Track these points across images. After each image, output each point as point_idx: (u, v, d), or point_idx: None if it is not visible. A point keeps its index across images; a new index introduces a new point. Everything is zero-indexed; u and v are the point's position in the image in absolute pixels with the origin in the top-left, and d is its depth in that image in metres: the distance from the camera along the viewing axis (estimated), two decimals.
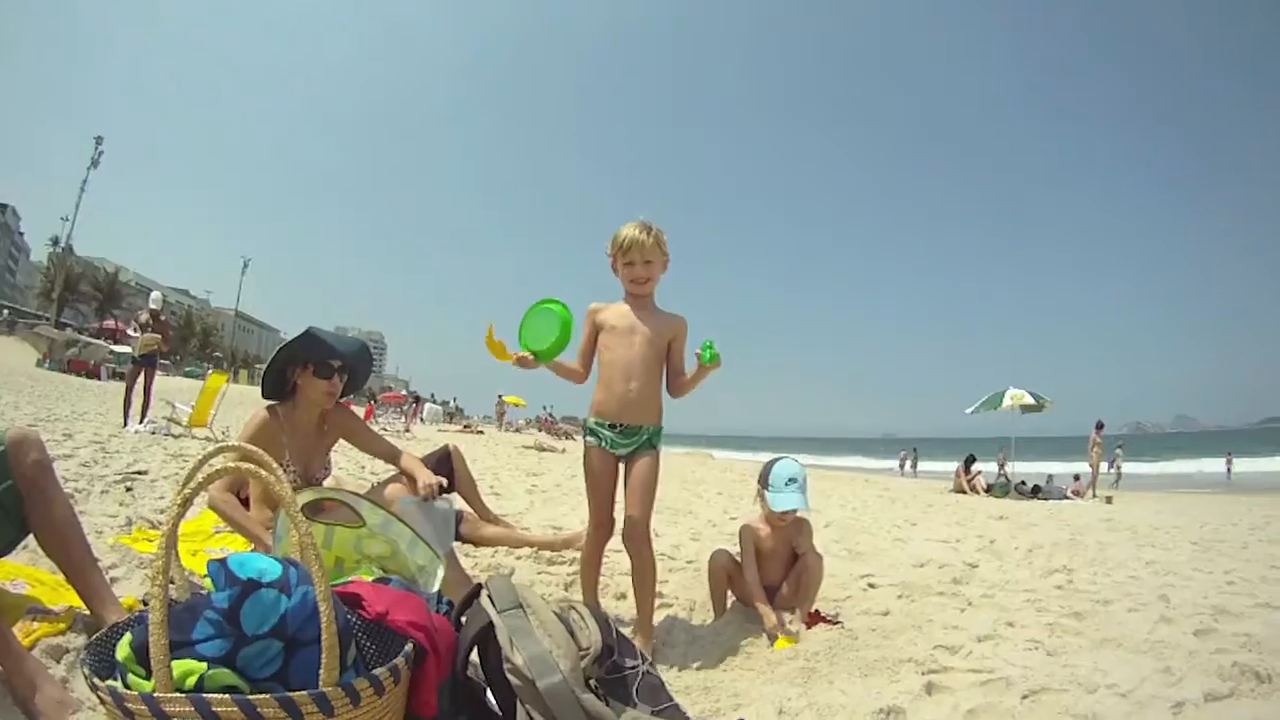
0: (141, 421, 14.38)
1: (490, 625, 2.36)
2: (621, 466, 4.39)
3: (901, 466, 48.43)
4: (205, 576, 2.09)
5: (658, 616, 4.53)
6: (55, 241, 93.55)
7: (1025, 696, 3.39)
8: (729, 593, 4.79)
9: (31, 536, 3.21)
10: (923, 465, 48.46)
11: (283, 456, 4.53)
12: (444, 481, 4.53)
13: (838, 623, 4.56)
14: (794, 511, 4.61)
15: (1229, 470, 40.17)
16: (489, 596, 2.47)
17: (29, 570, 3.79)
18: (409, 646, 2.21)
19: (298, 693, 1.84)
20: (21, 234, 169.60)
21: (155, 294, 16.49)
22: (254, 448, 2.13)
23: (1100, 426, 25.93)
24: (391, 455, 4.81)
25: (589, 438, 4.41)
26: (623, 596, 4.90)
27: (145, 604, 3.22)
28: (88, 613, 3.16)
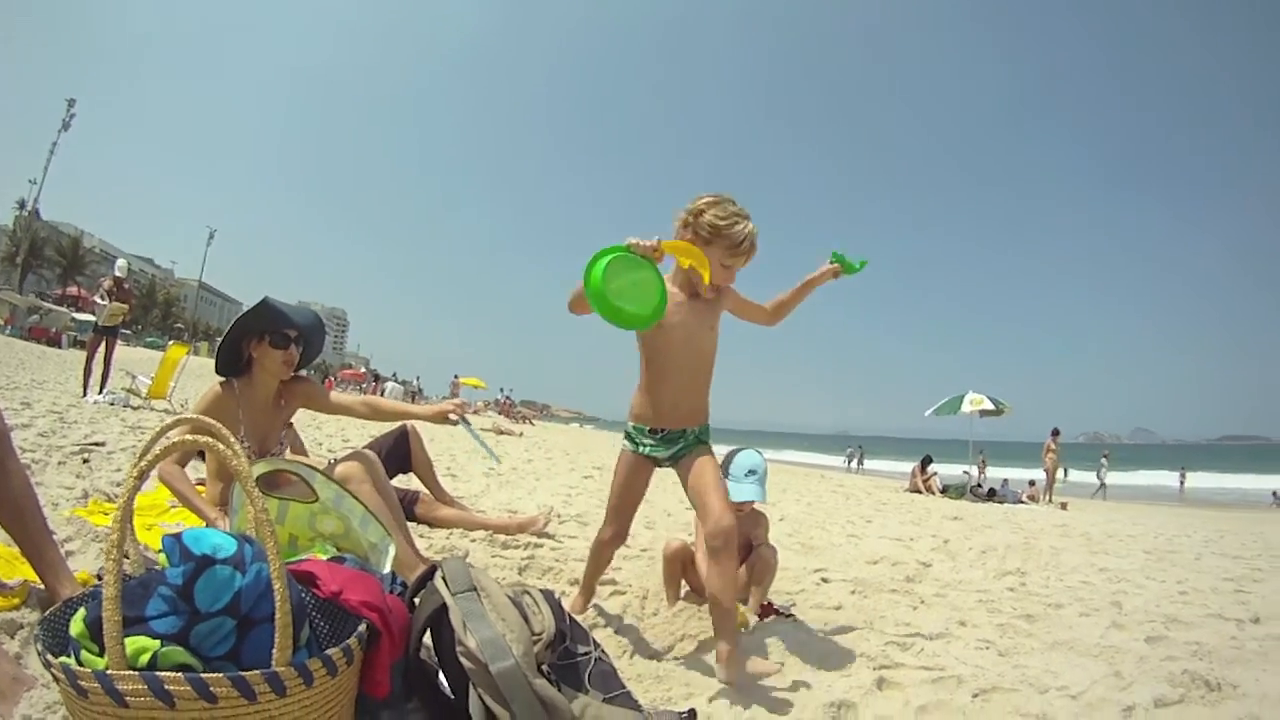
0: (101, 392, 14.22)
1: (444, 607, 2.35)
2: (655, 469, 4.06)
3: (849, 463, 48.81)
4: (160, 552, 2.06)
5: (612, 604, 4.55)
6: (21, 205, 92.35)
7: (976, 695, 3.41)
8: (682, 581, 4.76)
9: None
10: (879, 464, 48.84)
11: (238, 431, 4.50)
12: (463, 402, 4.53)
13: (790, 615, 4.57)
14: (751, 503, 4.61)
15: (1182, 484, 40.47)
16: (443, 578, 2.46)
17: None
18: (362, 627, 2.18)
19: (250, 672, 1.83)
20: None
21: (121, 262, 16.31)
22: (210, 420, 2.12)
23: (1056, 434, 26.11)
24: (363, 404, 4.82)
25: (625, 441, 4.03)
26: (575, 582, 4.80)
27: (100, 579, 3.14)
28: (42, 587, 3.12)
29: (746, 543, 4.67)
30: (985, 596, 5.68)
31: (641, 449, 3.94)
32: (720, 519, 3.51)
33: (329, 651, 1.97)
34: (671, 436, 3.88)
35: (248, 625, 1.98)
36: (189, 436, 2.00)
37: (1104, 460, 35.78)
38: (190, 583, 1.91)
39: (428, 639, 2.42)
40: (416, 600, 2.55)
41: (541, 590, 2.62)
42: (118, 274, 15.28)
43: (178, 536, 1.99)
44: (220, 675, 1.79)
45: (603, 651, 2.61)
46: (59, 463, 6.51)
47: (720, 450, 4.12)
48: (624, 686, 2.52)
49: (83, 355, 15.55)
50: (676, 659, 3.82)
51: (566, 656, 2.46)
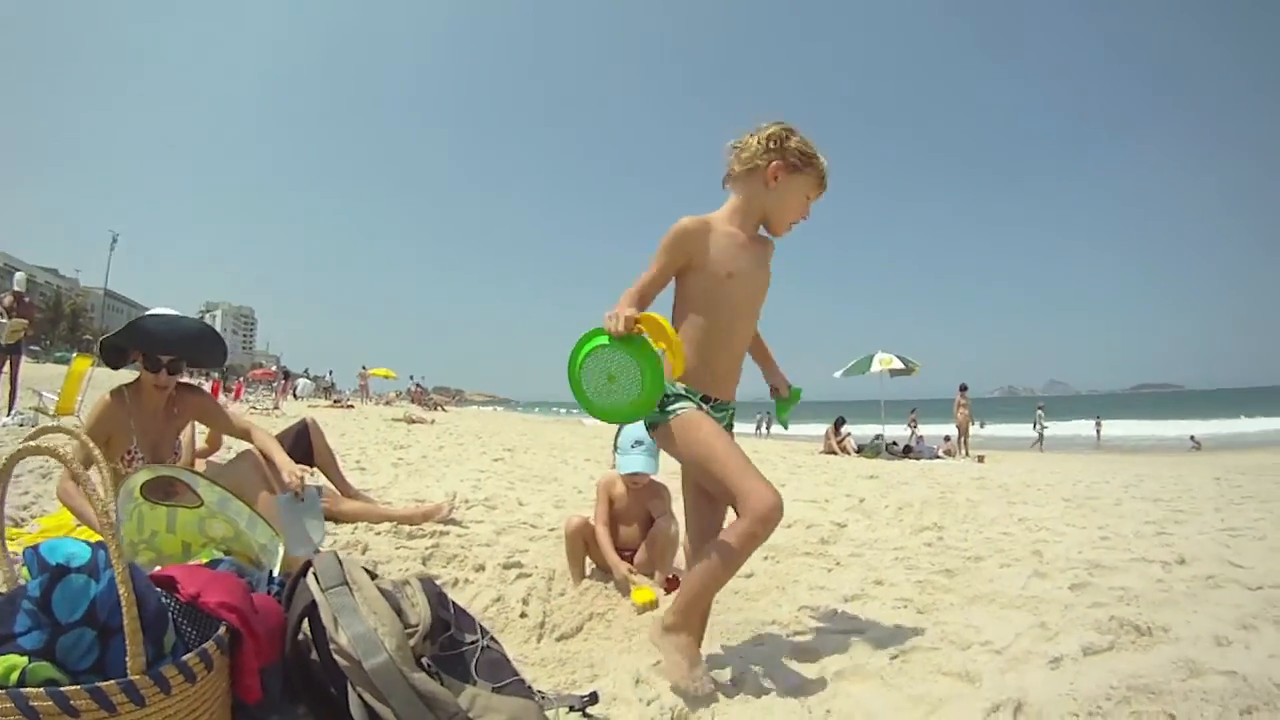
0: (9, 413, 13.76)
1: (314, 604, 2.26)
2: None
3: (758, 428, 49.14)
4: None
5: (517, 587, 4.41)
6: None
7: (894, 656, 3.35)
8: (587, 559, 4.70)
9: None
10: (792, 428, 49.30)
11: (129, 440, 4.44)
12: (305, 477, 4.40)
13: None
14: (644, 475, 4.54)
15: (1099, 433, 40.94)
16: (314, 574, 2.36)
17: None
18: (221, 630, 2.12)
19: (107, 683, 1.76)
20: None
21: (19, 275, 15.91)
22: (68, 429, 2.14)
23: (964, 389, 26.43)
24: (245, 434, 4.74)
25: (682, 403, 3.12)
26: (480, 568, 4.77)
27: None
28: None
29: (647, 514, 4.63)
30: (902, 554, 5.66)
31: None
32: (767, 497, 2.85)
33: (185, 657, 1.91)
34: (720, 408, 3.26)
35: (109, 635, 1.90)
36: (34, 443, 1.97)
37: (1040, 412, 36.19)
38: (48, 594, 1.87)
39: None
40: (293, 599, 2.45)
41: (421, 579, 2.50)
42: (17, 289, 14.89)
43: (35, 548, 1.96)
44: (79, 688, 1.74)
45: (491, 639, 2.51)
46: None
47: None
48: (515, 674, 2.43)
49: None
50: (583, 639, 3.75)
51: (451, 646, 2.37)
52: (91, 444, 2.02)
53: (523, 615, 3.98)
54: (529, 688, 2.43)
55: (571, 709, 2.59)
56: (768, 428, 47.81)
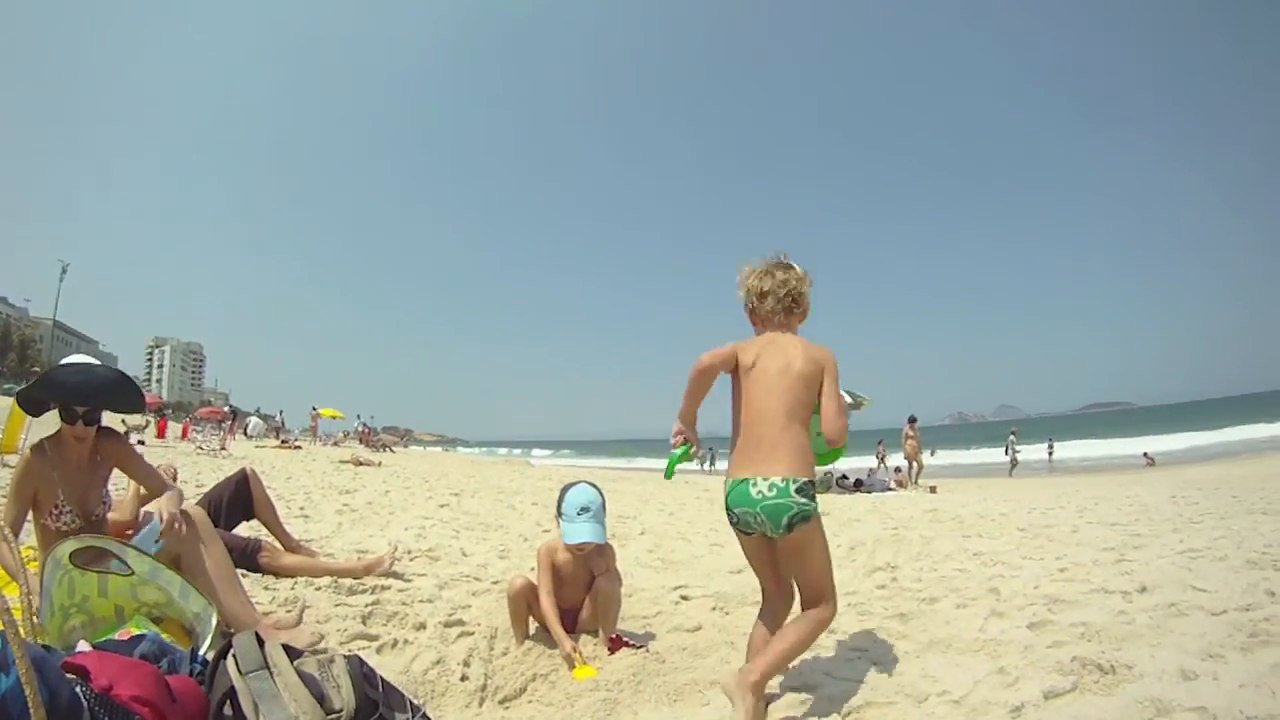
0: None
1: (233, 690, 2.19)
2: None
3: (703, 465, 49.33)
4: None
5: (458, 647, 4.36)
6: None
7: (849, 714, 3.30)
8: (530, 619, 4.63)
9: None
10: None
11: (56, 495, 4.37)
12: (182, 529, 4.23)
13: (642, 647, 4.39)
14: (590, 544, 4.49)
15: (1050, 455, 41.03)
16: (233, 656, 2.29)
17: None
18: None
19: None
20: None
21: None
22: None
23: (913, 421, 26.53)
24: (159, 492, 4.58)
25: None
26: (422, 626, 4.70)
27: None
28: None
29: (589, 575, 4.57)
30: (855, 599, 5.60)
31: None
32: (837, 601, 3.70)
33: None
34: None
35: None
36: None
37: (1013, 436, 36.17)
38: None
39: None
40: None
41: (349, 656, 2.44)
42: None
43: None
44: None
45: (423, 716, 2.47)
46: None
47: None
48: None
49: None
50: (527, 702, 3.72)
51: None
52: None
53: (463, 679, 3.91)
54: None
55: None
56: (712, 464, 47.98)
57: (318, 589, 5.47)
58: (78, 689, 2.02)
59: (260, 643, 2.35)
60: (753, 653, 3.57)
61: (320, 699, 2.18)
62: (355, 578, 5.82)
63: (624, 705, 3.47)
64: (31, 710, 1.70)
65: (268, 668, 2.23)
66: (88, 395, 4.37)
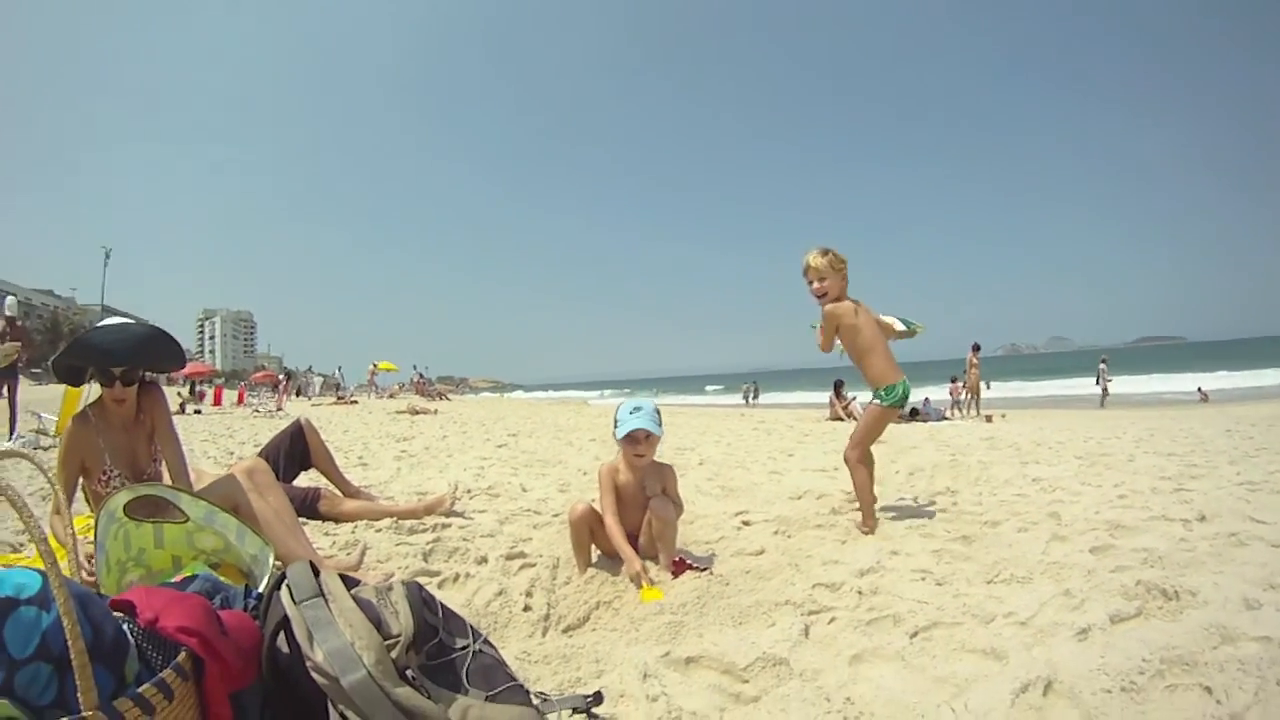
0: (11, 437, 13.53)
1: (286, 619, 2.10)
2: None
3: (745, 399, 49.10)
4: None
5: (521, 578, 4.32)
6: None
7: (915, 634, 3.22)
8: (593, 546, 4.58)
9: None
10: (795, 396, 49.22)
11: (103, 461, 4.27)
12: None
13: (705, 569, 4.34)
14: (645, 435, 4.43)
15: (1104, 384, 40.26)
16: (287, 587, 2.20)
17: None
18: (182, 656, 1.92)
19: None
20: None
21: (9, 299, 15.76)
22: (27, 453, 1.99)
23: (977, 349, 26.19)
24: (174, 466, 4.47)
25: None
26: (483, 560, 4.67)
27: None
28: None
29: (647, 499, 4.49)
30: (917, 522, 5.56)
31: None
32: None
33: (141, 689, 1.73)
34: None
35: (66, 667, 1.71)
36: None
37: (1103, 365, 34.69)
38: None
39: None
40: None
41: (406, 583, 2.34)
42: (8, 313, 14.77)
43: None
44: None
45: (485, 642, 2.35)
46: None
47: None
48: (511, 678, 2.26)
49: None
50: (589, 631, 3.63)
51: (439, 654, 2.21)
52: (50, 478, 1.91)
53: (526, 609, 3.87)
54: (526, 693, 2.26)
55: (575, 710, 2.45)
56: (755, 398, 47.79)
57: (378, 531, 5.45)
58: (124, 626, 1.96)
59: (315, 572, 2.27)
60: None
61: (377, 624, 2.11)
62: (416, 518, 5.78)
63: (689, 628, 3.39)
64: (71, 646, 1.62)
65: (322, 595, 2.16)
66: (122, 355, 4.25)
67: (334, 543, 5.16)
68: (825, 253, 5.71)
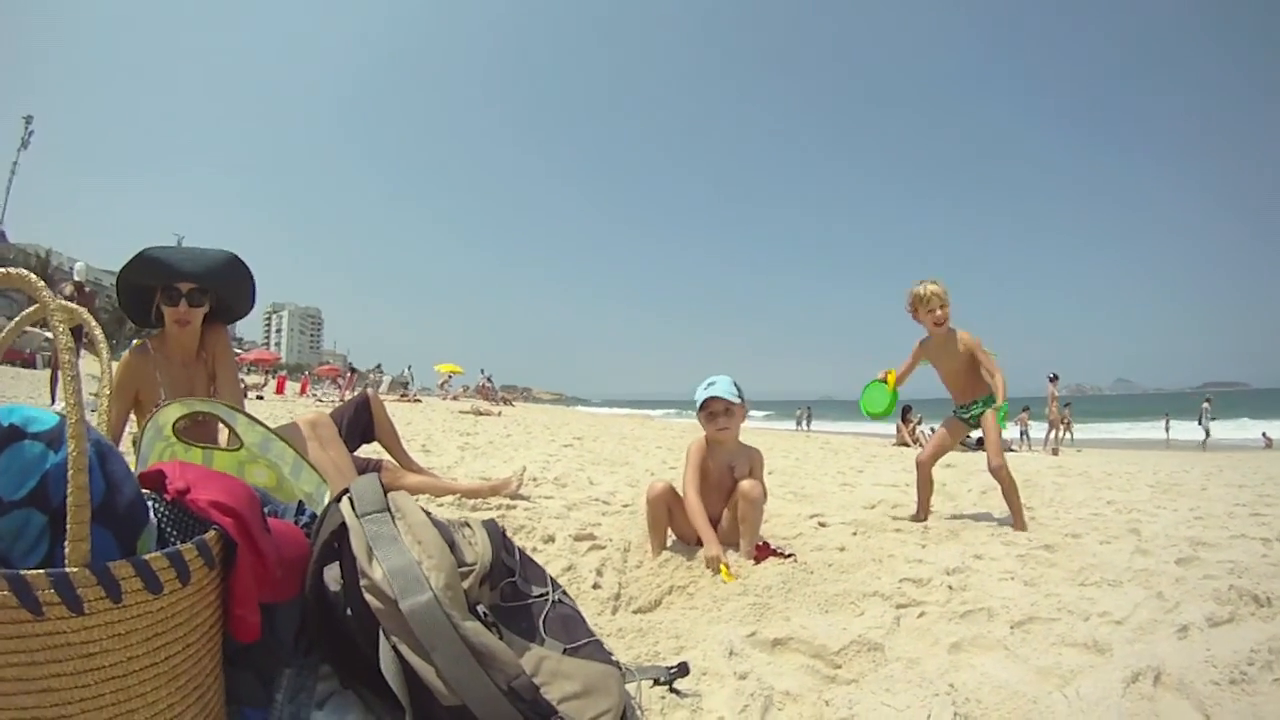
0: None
1: (344, 528, 1.86)
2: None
3: (799, 424, 48.99)
4: None
5: (590, 559, 4.13)
6: None
7: (1014, 627, 3.05)
8: (668, 529, 4.39)
9: None
10: (844, 425, 49.21)
11: (158, 395, 4.06)
12: None
13: (790, 555, 4.17)
14: (725, 406, 4.31)
15: (1168, 432, 39.87)
16: (349, 499, 1.98)
17: None
18: (210, 534, 1.60)
19: (32, 572, 1.27)
20: None
21: (79, 265, 15.91)
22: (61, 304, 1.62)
23: (1055, 379, 25.91)
24: (232, 390, 4.40)
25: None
26: (550, 539, 4.49)
27: None
28: None
29: (732, 479, 4.33)
30: (996, 529, 5.44)
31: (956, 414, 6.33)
32: (990, 460, 6.00)
33: (148, 556, 1.42)
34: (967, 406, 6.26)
35: (61, 522, 1.43)
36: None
37: (1207, 406, 34.55)
38: None
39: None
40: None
41: (485, 521, 2.15)
42: (77, 278, 14.86)
43: None
44: None
45: (563, 594, 2.18)
46: None
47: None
48: (592, 634, 2.07)
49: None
50: (665, 610, 3.45)
51: (515, 597, 2.02)
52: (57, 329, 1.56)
53: (595, 586, 3.68)
54: (607, 652, 2.05)
55: (657, 682, 2.26)
56: (808, 423, 47.77)
57: (440, 505, 5.28)
58: (142, 494, 1.63)
59: (381, 486, 2.06)
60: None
61: (450, 546, 1.86)
62: (480, 498, 5.58)
63: (775, 610, 3.20)
64: (72, 497, 1.34)
65: (389, 510, 1.92)
66: (190, 271, 4.03)
67: None
68: (936, 282, 6.04)
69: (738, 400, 4.31)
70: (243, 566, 1.66)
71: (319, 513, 2.53)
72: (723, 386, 4.31)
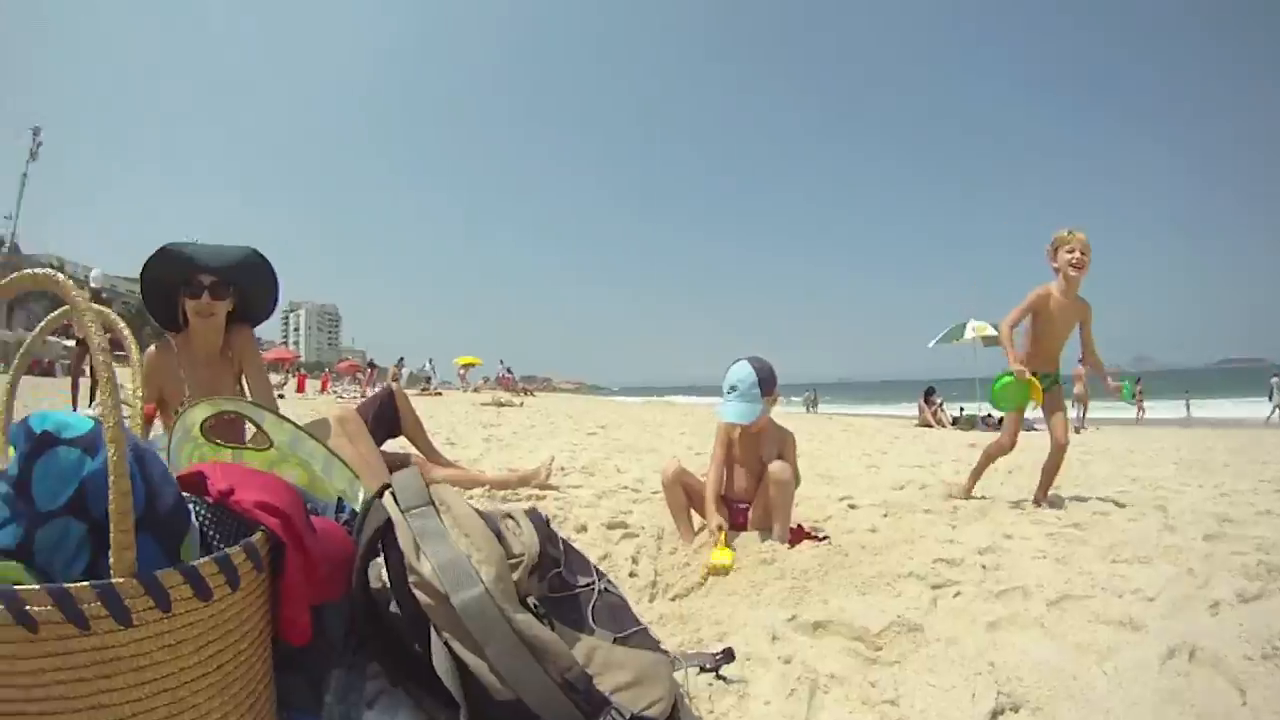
0: (90, 404, 13.69)
1: (389, 524, 1.84)
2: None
3: (807, 408, 48.83)
4: None
5: (623, 547, 4.11)
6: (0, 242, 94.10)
7: (1051, 604, 3.07)
8: (692, 510, 4.32)
9: None
10: (883, 408, 48.70)
11: (182, 391, 4.06)
12: None
13: (825, 538, 4.13)
14: (735, 425, 4.21)
15: (1189, 410, 39.34)
16: (391, 494, 1.96)
17: None
18: (257, 537, 1.58)
19: (77, 585, 1.21)
20: None
21: (95, 271, 16.02)
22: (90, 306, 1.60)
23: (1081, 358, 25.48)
24: (264, 391, 4.41)
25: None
26: (582, 528, 4.49)
27: None
28: None
29: (760, 463, 4.21)
30: (1025, 508, 5.47)
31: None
32: (1059, 437, 6.01)
33: (198, 562, 1.39)
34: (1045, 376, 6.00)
35: (102, 532, 1.36)
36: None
37: (1275, 380, 33.60)
38: (27, 470, 1.40)
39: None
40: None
41: (528, 510, 2.16)
42: (93, 284, 15.02)
43: (25, 419, 1.47)
44: (39, 589, 1.21)
45: (609, 582, 2.17)
46: None
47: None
48: (639, 623, 2.06)
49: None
50: (703, 596, 3.45)
51: (562, 587, 2.01)
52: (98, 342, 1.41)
53: (631, 574, 3.67)
54: (655, 640, 2.05)
55: (703, 669, 2.24)
56: (815, 407, 47.54)
57: (470, 499, 5.00)
58: (184, 498, 1.59)
59: (423, 480, 2.02)
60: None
61: (498, 537, 1.85)
62: (509, 489, 5.54)
63: (813, 593, 3.21)
64: (114, 504, 1.27)
65: (434, 504, 1.90)
66: (215, 265, 4.04)
67: None
68: (1082, 231, 5.85)
69: (757, 405, 4.15)
70: (291, 568, 1.64)
71: (358, 509, 2.56)
72: (737, 407, 4.14)
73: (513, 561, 1.81)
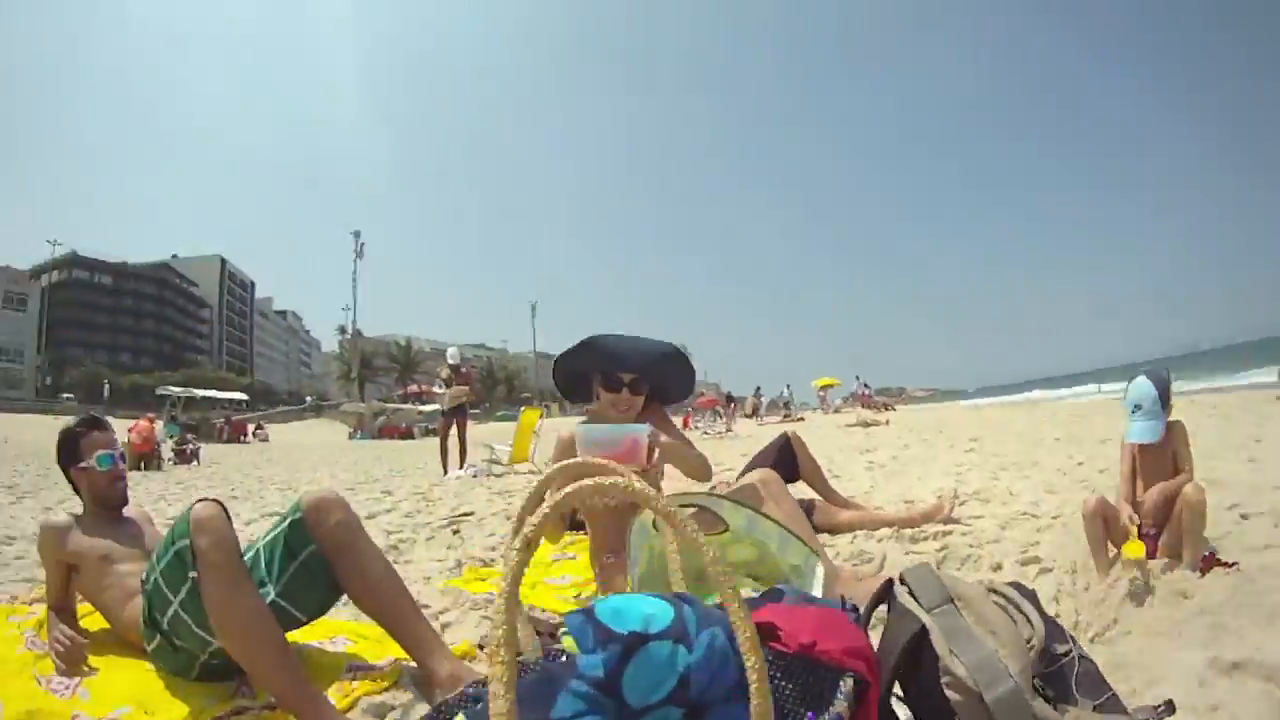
0: (461, 467, 14.83)
1: (923, 630, 1.99)
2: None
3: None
4: (558, 620, 1.77)
5: (1042, 584, 4.15)
6: (343, 330, 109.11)
7: None
8: (1109, 543, 4.12)
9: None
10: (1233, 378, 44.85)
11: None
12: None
13: (1234, 564, 3.79)
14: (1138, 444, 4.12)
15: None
16: (910, 592, 2.09)
17: (350, 625, 3.77)
18: (848, 683, 1.64)
19: None
20: (308, 331, 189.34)
21: (451, 350, 17.40)
22: (587, 460, 1.94)
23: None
24: (696, 466, 4.28)
25: None
26: (998, 567, 4.57)
27: (481, 648, 3.25)
28: (414, 664, 3.08)
29: (1167, 472, 4.11)
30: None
31: None
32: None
33: None
34: None
35: (700, 713, 1.46)
36: (569, 489, 1.50)
37: None
38: (616, 672, 1.42)
39: None
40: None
41: (1010, 584, 2.25)
42: (451, 361, 16.61)
43: (588, 612, 1.52)
44: None
45: (1081, 648, 2.19)
46: (427, 538, 6.79)
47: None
48: (1111, 689, 2.10)
49: (437, 440, 16.59)
50: (1126, 637, 3.42)
51: (1050, 661, 2.06)
52: (628, 472, 1.70)
53: (1056, 615, 3.39)
54: (1123, 705, 2.08)
55: None
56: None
57: (879, 541, 5.42)
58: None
59: (937, 575, 2.13)
60: None
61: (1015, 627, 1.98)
62: (914, 526, 5.69)
63: (1229, 630, 3.08)
64: (753, 685, 1.31)
65: (953, 601, 2.02)
66: (634, 362, 4.19)
67: (836, 554, 5.11)
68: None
69: (1161, 422, 4.05)
70: (870, 701, 1.75)
71: (812, 589, 2.85)
72: (1141, 426, 4.07)
73: (1029, 647, 1.98)
